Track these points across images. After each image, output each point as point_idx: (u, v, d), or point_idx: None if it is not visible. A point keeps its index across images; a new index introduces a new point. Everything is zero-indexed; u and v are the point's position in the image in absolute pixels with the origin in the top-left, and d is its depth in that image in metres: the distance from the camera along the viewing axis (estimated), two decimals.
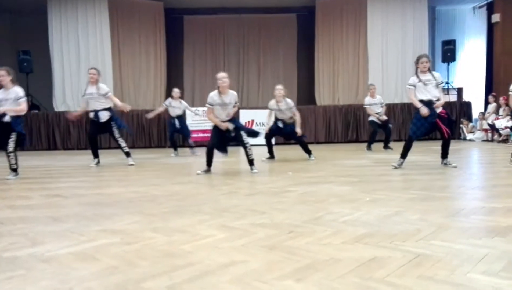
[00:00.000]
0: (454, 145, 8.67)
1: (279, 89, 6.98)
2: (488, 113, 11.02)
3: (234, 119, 5.74)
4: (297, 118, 6.99)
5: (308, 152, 7.01)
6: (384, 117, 8.51)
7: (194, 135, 11.44)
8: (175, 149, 8.65)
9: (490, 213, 2.94)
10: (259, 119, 11.35)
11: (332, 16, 13.36)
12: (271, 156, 7.14)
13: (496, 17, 11.54)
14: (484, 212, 2.97)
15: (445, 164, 5.45)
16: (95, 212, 3.21)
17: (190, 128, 11.40)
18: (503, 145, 9.47)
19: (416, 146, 8.60)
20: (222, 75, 5.42)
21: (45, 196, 4.04)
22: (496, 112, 10.73)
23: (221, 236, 2.48)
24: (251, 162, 5.49)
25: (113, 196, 3.96)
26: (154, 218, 2.96)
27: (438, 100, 5.29)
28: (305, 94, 14.25)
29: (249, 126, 11.35)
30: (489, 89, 12.61)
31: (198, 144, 10.87)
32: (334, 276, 1.82)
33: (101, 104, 6.49)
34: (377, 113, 8.47)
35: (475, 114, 12.08)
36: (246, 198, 3.68)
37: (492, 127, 10.48)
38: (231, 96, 5.52)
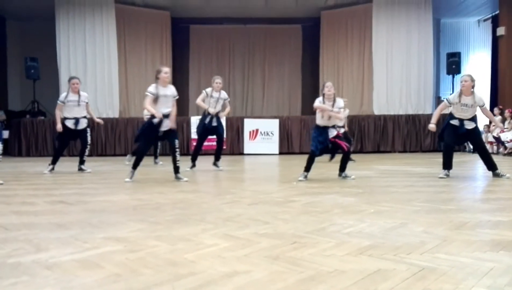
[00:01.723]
0: (459, 158, 8.64)
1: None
2: (494, 125, 10.97)
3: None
4: None
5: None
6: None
7: None
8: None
9: (496, 226, 2.91)
10: (264, 128, 11.38)
11: (337, 27, 13.44)
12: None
13: (501, 30, 11.56)
14: (489, 225, 2.95)
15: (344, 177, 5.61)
16: (100, 219, 3.21)
17: (195, 136, 11.47)
18: (509, 158, 9.41)
19: (421, 157, 8.61)
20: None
21: (50, 202, 4.06)
22: (502, 124, 10.68)
23: (224, 245, 2.47)
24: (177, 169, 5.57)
25: (118, 203, 3.96)
26: (158, 226, 2.96)
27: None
28: (310, 104, 14.12)
29: (254, 136, 11.39)
30: (494, 102, 12.58)
31: (203, 152, 10.90)
32: (338, 288, 1.81)
33: (83, 112, 6.78)
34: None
35: (480, 126, 12.03)
36: (249, 208, 3.67)
37: (498, 140, 10.43)
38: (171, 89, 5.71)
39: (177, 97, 5.76)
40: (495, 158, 9.46)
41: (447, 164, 5.58)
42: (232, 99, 14.76)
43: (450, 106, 5.59)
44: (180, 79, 14.77)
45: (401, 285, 1.83)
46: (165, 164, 8.38)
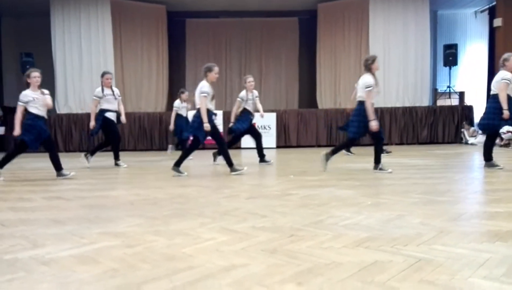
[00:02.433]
0: (455, 149, 8.67)
1: None
2: None
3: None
4: None
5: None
6: None
7: None
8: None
9: (492, 217, 2.93)
10: (261, 122, 11.35)
11: (334, 20, 13.39)
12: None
13: (498, 22, 11.54)
14: (486, 217, 2.96)
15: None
16: (97, 215, 3.21)
17: None
18: (505, 149, 9.45)
19: (418, 150, 8.63)
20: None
21: (47, 198, 4.05)
22: None
23: (222, 239, 2.48)
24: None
25: (115, 198, 3.96)
26: (155, 221, 2.96)
27: None
28: (307, 97, 14.27)
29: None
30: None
31: (202, 146, 10.89)
32: (335, 280, 1.82)
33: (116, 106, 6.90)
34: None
35: (477, 118, 12.06)
36: (247, 202, 3.68)
37: None
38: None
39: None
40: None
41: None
42: (229, 93, 14.76)
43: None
44: (176, 74, 14.73)
45: (397, 276, 1.84)
46: (163, 159, 8.37)
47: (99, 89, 6.81)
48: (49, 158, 5.49)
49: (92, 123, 6.68)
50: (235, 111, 6.85)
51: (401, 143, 11.51)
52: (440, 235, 2.46)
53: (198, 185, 4.88)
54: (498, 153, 8.59)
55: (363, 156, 8.20)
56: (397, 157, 7.85)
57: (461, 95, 13.25)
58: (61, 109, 12.01)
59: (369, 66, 5.46)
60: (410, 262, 2.01)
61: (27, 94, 5.33)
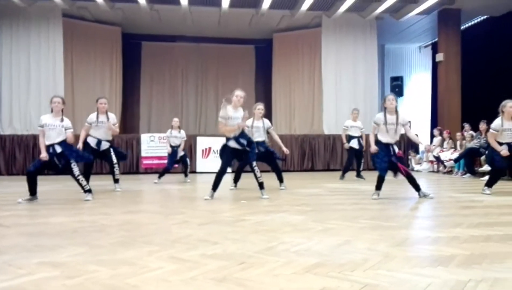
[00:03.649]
0: (402, 176, 9.03)
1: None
2: (434, 145, 11.65)
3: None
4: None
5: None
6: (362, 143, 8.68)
7: (149, 161, 11.23)
8: (160, 177, 8.38)
9: (434, 242, 3.06)
10: (216, 146, 11.33)
11: (289, 49, 13.83)
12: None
13: (440, 56, 12.40)
14: (428, 242, 3.08)
15: (423, 196, 5.62)
16: (37, 243, 3.02)
17: (145, 154, 11.23)
18: (448, 176, 9.99)
19: (369, 175, 8.92)
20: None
21: None
22: (441, 145, 11.36)
23: (170, 268, 2.40)
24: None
25: (58, 226, 3.75)
26: (100, 250, 2.83)
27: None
28: None
29: (207, 154, 11.33)
30: (434, 123, 13.38)
31: (154, 170, 10.65)
32: None
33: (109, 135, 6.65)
34: (353, 137, 8.63)
35: (421, 146, 12.72)
36: (199, 228, 3.61)
37: (438, 159, 11.06)
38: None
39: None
40: (436, 176, 10.03)
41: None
42: (185, 117, 14.68)
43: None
44: (130, 96, 14.49)
45: None
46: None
47: (93, 115, 6.59)
48: None
49: (80, 146, 6.45)
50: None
51: (353, 169, 11.85)
52: (385, 260, 2.53)
53: (148, 211, 4.74)
54: (441, 180, 9.08)
55: (315, 181, 8.36)
56: (348, 183, 8.07)
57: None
58: (5, 130, 11.37)
59: (382, 105, 5.67)
60: (357, 287, 2.05)
61: None
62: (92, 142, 6.55)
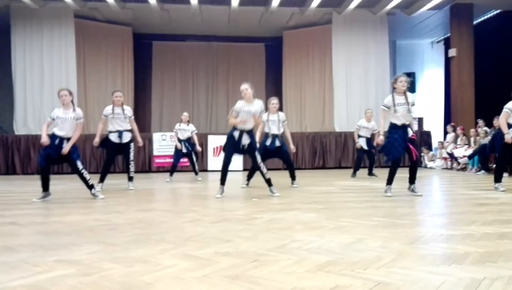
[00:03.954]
0: (418, 173, 8.96)
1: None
2: (447, 142, 11.52)
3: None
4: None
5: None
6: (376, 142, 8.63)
7: (161, 160, 11.31)
8: (171, 174, 8.45)
9: (448, 240, 3.03)
10: (220, 144, 11.37)
11: (299, 47, 13.79)
12: None
13: (452, 52, 12.24)
14: (442, 239, 3.06)
15: (412, 190, 5.57)
16: (52, 241, 3.07)
17: (157, 153, 11.31)
18: (462, 173, 9.87)
19: (380, 172, 8.86)
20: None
21: None
22: (455, 141, 11.22)
23: (183, 266, 2.42)
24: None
25: (73, 224, 3.81)
26: (114, 248, 2.87)
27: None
28: None
29: (218, 152, 11.37)
30: (447, 119, 13.22)
31: (165, 169, 10.73)
32: None
33: (127, 125, 6.62)
34: (361, 137, 8.61)
35: (434, 143, 12.59)
36: (211, 226, 3.63)
37: (451, 156, 10.93)
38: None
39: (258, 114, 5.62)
40: (449, 173, 9.91)
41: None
42: (196, 116, 14.74)
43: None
44: (142, 96, 14.60)
45: None
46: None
47: (109, 107, 6.67)
48: None
49: (96, 140, 6.62)
50: (259, 134, 6.82)
51: (365, 167, 11.78)
52: (398, 258, 2.52)
53: (161, 209, 4.78)
54: (454, 177, 8.97)
55: (327, 179, 8.33)
56: (360, 181, 8.03)
57: (420, 121, 13.82)
58: (20, 130, 11.56)
59: (392, 85, 5.60)
60: (369, 286, 2.04)
61: None
62: (113, 136, 6.55)
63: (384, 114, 5.59)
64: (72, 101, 5.51)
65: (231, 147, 5.58)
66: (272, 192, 5.61)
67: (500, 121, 5.92)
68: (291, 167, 7.06)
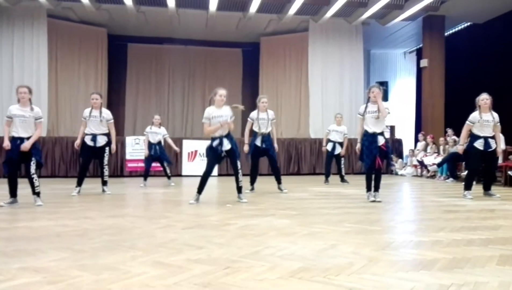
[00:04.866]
0: (387, 180, 9.14)
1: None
2: (418, 150, 11.81)
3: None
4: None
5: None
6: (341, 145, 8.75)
7: (134, 164, 11.12)
8: (145, 179, 8.30)
9: (418, 246, 3.09)
10: (203, 149, 11.28)
11: (276, 53, 13.89)
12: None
13: (424, 62, 12.59)
14: (412, 246, 3.12)
15: (374, 198, 5.65)
16: (17, 248, 2.96)
17: (130, 157, 11.11)
18: (431, 180, 10.13)
19: (353, 179, 8.99)
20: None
21: None
22: (425, 149, 11.52)
23: (153, 273, 2.37)
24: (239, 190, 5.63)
25: (39, 230, 3.68)
26: (82, 255, 2.78)
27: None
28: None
29: (193, 157, 11.27)
30: (418, 128, 13.55)
31: (138, 174, 10.54)
32: None
33: (103, 128, 6.54)
34: (331, 141, 8.68)
35: (406, 150, 12.89)
36: (183, 232, 3.58)
37: (421, 164, 11.21)
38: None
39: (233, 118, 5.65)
40: (419, 180, 10.16)
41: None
42: (171, 120, 14.59)
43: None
44: (116, 98, 14.35)
45: None
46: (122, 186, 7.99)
47: (87, 109, 6.58)
48: None
49: (77, 142, 6.59)
50: (247, 132, 6.93)
51: (335, 173, 11.95)
52: (370, 264, 2.55)
53: (132, 215, 4.69)
54: (424, 184, 9.20)
55: (301, 185, 8.38)
56: (333, 187, 8.11)
57: (392, 129, 14.14)
58: None
59: (367, 94, 5.77)
60: None
61: None
62: (87, 139, 6.49)
63: (360, 122, 5.74)
64: (30, 100, 5.35)
65: (213, 158, 5.56)
66: (241, 199, 5.63)
67: (462, 133, 6.31)
68: (277, 171, 7.09)
